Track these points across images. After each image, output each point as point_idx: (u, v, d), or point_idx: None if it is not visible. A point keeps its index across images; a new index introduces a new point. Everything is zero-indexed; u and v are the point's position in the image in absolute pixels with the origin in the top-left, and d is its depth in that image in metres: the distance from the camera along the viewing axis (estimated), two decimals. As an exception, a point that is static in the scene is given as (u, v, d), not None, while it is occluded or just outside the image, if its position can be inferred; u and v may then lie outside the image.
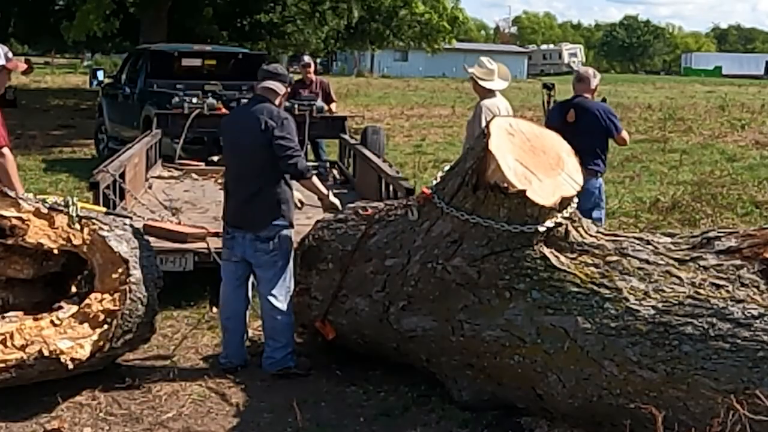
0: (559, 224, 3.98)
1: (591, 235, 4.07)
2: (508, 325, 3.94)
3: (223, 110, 10.06)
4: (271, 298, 4.69)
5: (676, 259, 3.83)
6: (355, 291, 4.64)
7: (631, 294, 3.74)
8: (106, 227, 4.53)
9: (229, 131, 4.94)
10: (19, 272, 4.64)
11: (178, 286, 5.71)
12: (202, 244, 5.84)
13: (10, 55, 4.87)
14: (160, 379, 4.63)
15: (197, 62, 12.34)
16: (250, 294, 4.94)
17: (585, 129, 5.95)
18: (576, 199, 4.09)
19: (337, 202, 5.01)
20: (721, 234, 3.92)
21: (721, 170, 12.29)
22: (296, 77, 10.20)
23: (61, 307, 4.42)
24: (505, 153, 3.94)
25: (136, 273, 4.43)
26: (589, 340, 3.71)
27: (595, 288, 3.80)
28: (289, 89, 4.89)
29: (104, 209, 4.98)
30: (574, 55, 68.18)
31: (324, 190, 4.96)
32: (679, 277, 3.74)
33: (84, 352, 4.25)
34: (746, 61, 74.10)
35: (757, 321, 3.47)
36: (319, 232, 5.01)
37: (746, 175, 11.75)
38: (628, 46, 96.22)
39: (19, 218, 4.42)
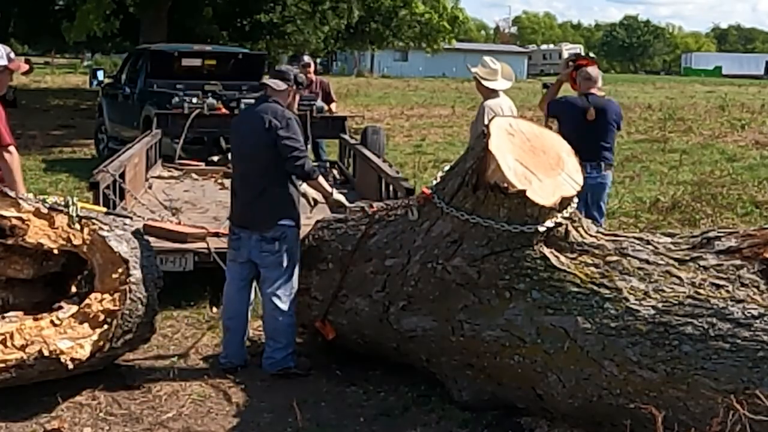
0: (559, 224, 3.98)
1: (591, 235, 4.07)
2: (508, 325, 3.94)
3: (223, 110, 10.06)
4: (274, 299, 4.69)
5: (676, 259, 3.83)
6: (355, 291, 4.64)
7: (631, 294, 3.73)
8: (106, 227, 4.53)
9: (236, 131, 4.95)
10: (19, 272, 4.64)
11: (178, 286, 5.71)
12: (202, 244, 5.84)
13: (12, 55, 4.87)
14: (160, 379, 4.63)
15: (197, 62, 12.33)
16: (252, 295, 4.94)
17: (606, 126, 6.27)
18: (576, 199, 4.09)
19: (343, 199, 5.04)
20: (721, 234, 3.92)
21: (721, 170, 12.29)
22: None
23: (61, 307, 4.42)
24: (505, 153, 3.94)
25: (136, 273, 4.43)
26: (589, 340, 3.71)
27: (595, 288, 3.80)
28: (294, 88, 4.82)
29: (104, 209, 4.98)
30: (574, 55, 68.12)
31: (329, 189, 4.98)
32: (679, 277, 3.74)
33: (84, 352, 4.25)
34: (746, 61, 74.13)
35: (757, 321, 3.47)
36: (319, 232, 5.01)
37: (746, 175, 11.75)
38: (628, 46, 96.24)
39: (19, 218, 4.42)
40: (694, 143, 15.80)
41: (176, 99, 10.15)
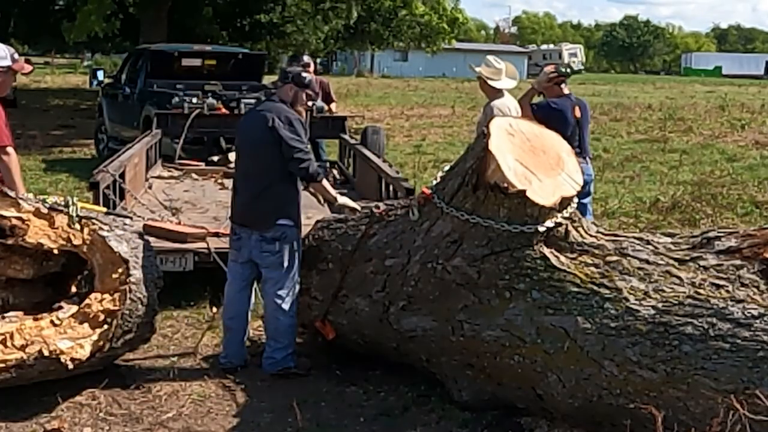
0: (559, 224, 3.98)
1: (591, 235, 4.07)
2: (508, 325, 3.94)
3: (223, 110, 10.07)
4: (276, 299, 4.68)
5: (676, 259, 3.83)
6: (355, 291, 4.64)
7: (631, 294, 3.73)
8: (106, 227, 4.53)
9: (240, 130, 4.96)
10: (19, 272, 4.64)
11: (178, 286, 5.71)
12: (202, 244, 5.84)
13: (16, 56, 4.87)
14: (160, 379, 4.63)
15: (197, 62, 12.33)
16: (253, 295, 4.94)
17: (586, 122, 6.51)
18: (576, 199, 4.09)
19: (350, 202, 4.94)
20: (721, 234, 3.92)
21: (721, 170, 12.29)
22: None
23: (61, 307, 4.42)
24: (505, 153, 3.94)
25: (136, 273, 4.43)
26: (589, 340, 3.71)
27: (595, 288, 3.80)
28: (294, 87, 4.76)
29: (104, 209, 4.97)
30: (574, 55, 68.25)
31: (334, 193, 4.92)
32: (679, 277, 3.74)
33: (84, 352, 4.25)
34: (746, 61, 74.16)
35: (757, 321, 3.47)
36: (319, 232, 5.01)
37: (746, 175, 11.75)
38: (628, 46, 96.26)
39: (19, 218, 4.42)
40: (694, 143, 15.80)
41: (176, 99, 10.16)
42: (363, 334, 4.69)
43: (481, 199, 3.99)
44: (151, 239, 5.17)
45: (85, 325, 4.32)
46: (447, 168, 4.38)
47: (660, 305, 3.65)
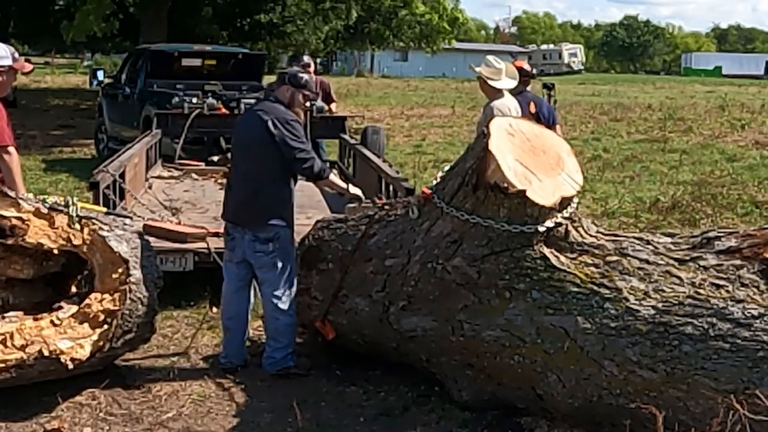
0: (559, 224, 3.98)
1: (591, 235, 4.07)
2: (508, 325, 3.94)
3: (223, 110, 10.07)
4: (274, 299, 4.68)
5: (676, 259, 3.83)
6: (355, 291, 4.64)
7: (631, 294, 3.73)
8: (106, 227, 4.52)
9: (237, 129, 4.97)
10: (19, 272, 4.64)
11: (178, 286, 5.71)
12: (202, 244, 5.84)
13: (16, 55, 4.87)
14: (160, 379, 4.63)
15: (197, 62, 12.33)
16: (251, 294, 4.94)
17: (539, 119, 6.51)
18: (576, 199, 4.09)
19: (358, 191, 5.13)
20: (721, 234, 3.91)
21: (721, 170, 12.29)
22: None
23: (61, 307, 4.42)
24: (505, 153, 3.94)
25: (136, 273, 4.43)
26: (589, 340, 3.71)
27: (595, 288, 3.80)
28: (291, 88, 4.75)
29: (104, 209, 4.97)
30: (574, 55, 68.28)
31: (343, 185, 5.09)
32: (679, 277, 3.74)
33: (84, 352, 4.25)
34: (746, 61, 74.11)
35: (757, 321, 3.47)
36: (319, 232, 5.01)
37: (746, 175, 11.75)
38: (628, 46, 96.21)
39: (19, 218, 4.42)
40: (694, 143, 15.80)
41: (176, 99, 10.16)
42: (363, 334, 4.69)
43: (481, 199, 3.99)
44: (151, 239, 5.18)
45: (85, 325, 4.32)
46: (447, 168, 4.38)
47: (660, 305, 3.65)
